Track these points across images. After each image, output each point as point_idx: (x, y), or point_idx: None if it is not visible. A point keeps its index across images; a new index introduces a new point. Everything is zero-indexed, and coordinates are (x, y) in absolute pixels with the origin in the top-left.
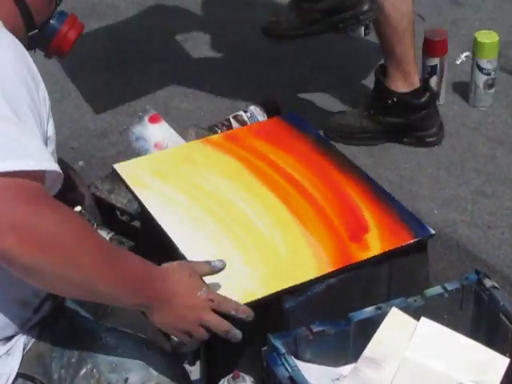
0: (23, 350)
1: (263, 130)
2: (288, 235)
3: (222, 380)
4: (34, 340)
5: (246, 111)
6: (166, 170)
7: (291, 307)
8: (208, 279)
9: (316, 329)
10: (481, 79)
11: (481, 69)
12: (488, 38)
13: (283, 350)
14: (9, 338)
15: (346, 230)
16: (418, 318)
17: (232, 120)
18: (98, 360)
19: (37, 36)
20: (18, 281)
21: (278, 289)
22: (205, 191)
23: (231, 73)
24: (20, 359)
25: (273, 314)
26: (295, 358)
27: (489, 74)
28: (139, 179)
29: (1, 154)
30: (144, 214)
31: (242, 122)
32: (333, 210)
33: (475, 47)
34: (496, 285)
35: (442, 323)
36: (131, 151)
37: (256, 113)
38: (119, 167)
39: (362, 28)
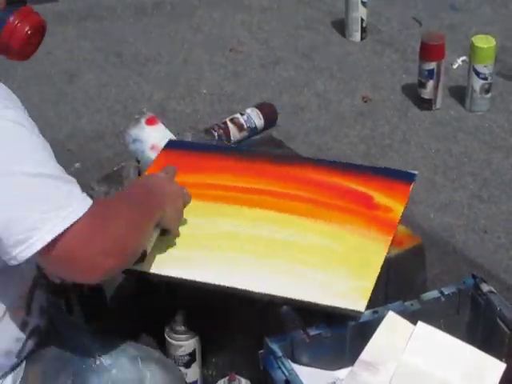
0: None
1: (172, 164)
2: (327, 235)
3: (218, 382)
4: (21, 376)
5: (242, 114)
6: None
7: (288, 310)
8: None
9: (313, 332)
10: (477, 84)
11: (477, 73)
12: (485, 42)
13: (280, 354)
14: None
15: (359, 206)
16: (414, 322)
17: (229, 123)
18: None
19: None
20: (1, 332)
21: (375, 278)
22: (213, 237)
23: (228, 75)
24: None
25: (269, 317)
26: (292, 361)
27: (485, 79)
28: None
29: (65, 206)
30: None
31: (239, 125)
32: (332, 199)
33: (472, 52)
34: (493, 289)
35: (439, 327)
36: (128, 153)
37: (253, 115)
38: None
39: (359, 32)
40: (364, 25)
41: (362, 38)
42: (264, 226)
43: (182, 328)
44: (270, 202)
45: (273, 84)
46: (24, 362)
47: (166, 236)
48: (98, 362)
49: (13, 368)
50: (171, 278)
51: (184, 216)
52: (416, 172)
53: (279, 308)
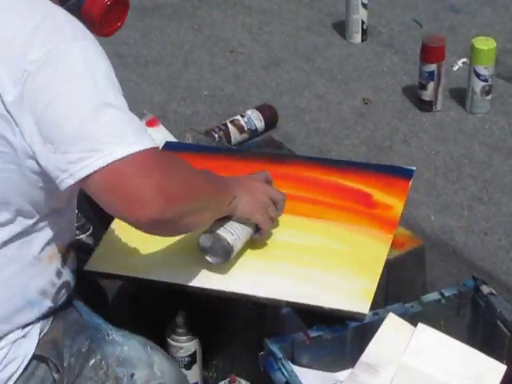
0: (39, 334)
1: None
2: (327, 235)
3: None
4: (48, 326)
5: (243, 115)
6: (140, 245)
7: (288, 312)
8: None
9: (313, 334)
10: (478, 85)
11: (478, 75)
12: (485, 44)
13: (280, 355)
14: (27, 324)
15: (358, 205)
16: (415, 324)
17: (229, 124)
18: (107, 353)
19: (72, 7)
20: (40, 270)
21: (378, 278)
22: None
23: (228, 77)
24: (36, 342)
25: (270, 318)
26: (292, 363)
27: (486, 81)
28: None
29: (133, 137)
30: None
31: (239, 127)
32: (331, 198)
33: (472, 53)
34: (493, 291)
35: (439, 329)
36: None
37: (253, 117)
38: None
39: (359, 34)
40: (364, 27)
41: (362, 40)
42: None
43: (183, 329)
44: None
45: (273, 86)
46: (52, 317)
47: (257, 236)
48: (111, 337)
49: (43, 317)
50: (170, 284)
51: None
52: (414, 168)
53: (280, 309)
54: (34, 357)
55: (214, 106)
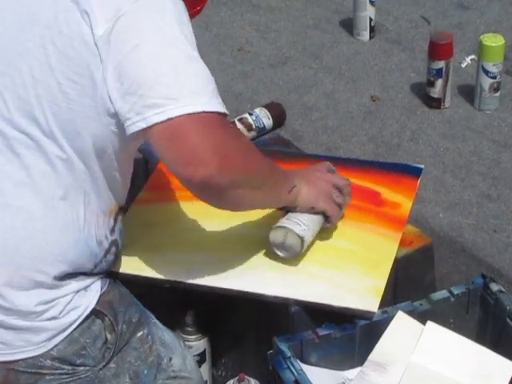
0: (100, 290)
1: None
2: (336, 234)
3: (228, 383)
4: (106, 287)
5: (251, 114)
6: (148, 244)
7: (297, 310)
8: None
9: (322, 332)
10: (486, 82)
11: (486, 72)
12: (494, 41)
13: (289, 354)
14: (87, 275)
15: (367, 203)
16: (423, 322)
17: (237, 122)
18: (153, 330)
19: None
20: (102, 221)
21: (387, 277)
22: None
23: (236, 75)
24: (97, 298)
25: (279, 317)
26: (301, 361)
27: (494, 78)
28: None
29: (208, 97)
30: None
31: (247, 125)
32: None
33: (481, 50)
34: (502, 289)
35: (448, 327)
36: (136, 154)
37: (261, 115)
38: None
39: (367, 31)
40: (372, 24)
41: (370, 37)
42: (272, 226)
43: (192, 328)
44: None
45: (281, 84)
46: (108, 281)
47: (328, 225)
48: (153, 320)
49: (101, 276)
50: (179, 282)
51: (191, 220)
52: (422, 166)
53: (288, 308)
54: (93, 312)
55: None
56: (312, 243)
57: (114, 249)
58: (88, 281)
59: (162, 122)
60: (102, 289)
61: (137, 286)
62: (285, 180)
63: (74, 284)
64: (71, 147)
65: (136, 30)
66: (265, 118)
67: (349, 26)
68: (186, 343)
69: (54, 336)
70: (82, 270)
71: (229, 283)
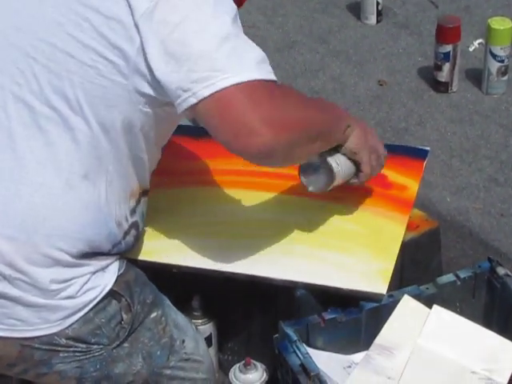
0: (117, 271)
1: (181, 151)
2: (344, 216)
3: (234, 367)
4: (124, 268)
5: None
6: (155, 230)
7: (303, 294)
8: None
9: (328, 316)
10: (494, 66)
11: (494, 56)
12: (501, 24)
13: (295, 338)
14: (105, 255)
15: (374, 185)
16: (430, 306)
17: None
18: (166, 312)
19: None
20: (122, 202)
21: (395, 259)
22: (234, 224)
23: None
24: (114, 279)
25: (284, 301)
26: (306, 345)
27: (502, 61)
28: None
29: (252, 66)
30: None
31: None
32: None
33: (488, 34)
34: (509, 273)
35: (455, 311)
36: None
37: None
38: None
39: (375, 15)
40: (380, 8)
41: (377, 21)
42: (279, 210)
43: (198, 313)
44: (284, 186)
45: (288, 68)
46: (125, 261)
47: (355, 181)
48: (167, 302)
49: (119, 257)
50: (185, 267)
51: (197, 204)
52: (428, 148)
53: (295, 292)
54: (110, 292)
55: None
56: (326, 210)
57: (133, 231)
58: (106, 261)
59: (210, 96)
60: (119, 270)
61: (144, 270)
62: (340, 119)
63: (92, 264)
64: (99, 124)
65: (178, 8)
66: None
67: (356, 9)
68: None
69: (70, 315)
70: (100, 250)
71: (237, 267)
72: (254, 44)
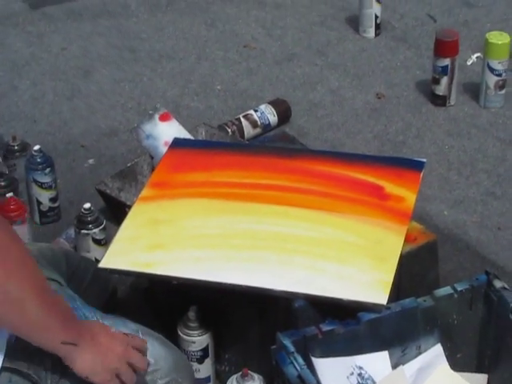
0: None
1: (179, 163)
2: (343, 228)
3: (231, 378)
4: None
5: (256, 110)
6: (154, 241)
7: (301, 306)
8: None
9: (325, 328)
10: (492, 80)
11: (492, 70)
12: (499, 38)
13: (292, 349)
14: None
15: (371, 197)
16: (427, 318)
17: (242, 119)
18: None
19: None
20: None
21: (395, 270)
22: (227, 236)
23: (242, 72)
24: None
25: (282, 312)
26: (305, 355)
27: (500, 75)
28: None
29: None
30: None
31: (253, 121)
32: (343, 191)
33: (486, 48)
34: (506, 286)
35: (452, 324)
36: (141, 149)
37: (266, 112)
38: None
39: (373, 28)
40: (378, 21)
41: (376, 35)
42: (278, 221)
43: (195, 324)
44: (281, 197)
45: (286, 80)
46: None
47: None
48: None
49: None
50: (186, 279)
51: (196, 216)
52: (424, 160)
53: (292, 303)
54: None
55: (227, 101)
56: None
57: None
58: None
59: None
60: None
61: (143, 282)
62: (63, 324)
63: None
64: None
65: None
66: (270, 115)
67: (355, 23)
68: (189, 338)
69: None
70: None
71: (237, 279)
72: None
